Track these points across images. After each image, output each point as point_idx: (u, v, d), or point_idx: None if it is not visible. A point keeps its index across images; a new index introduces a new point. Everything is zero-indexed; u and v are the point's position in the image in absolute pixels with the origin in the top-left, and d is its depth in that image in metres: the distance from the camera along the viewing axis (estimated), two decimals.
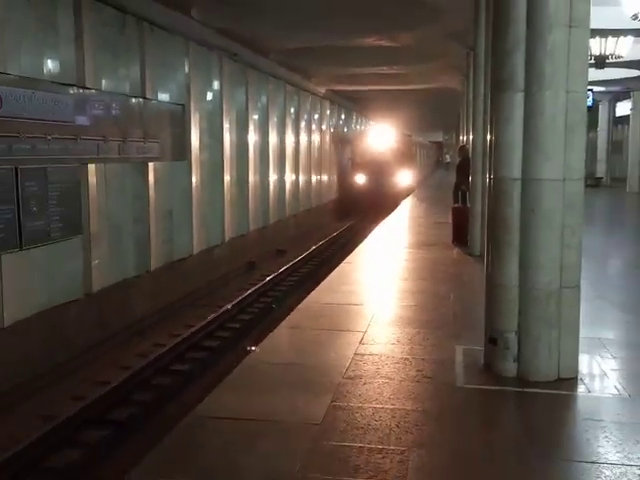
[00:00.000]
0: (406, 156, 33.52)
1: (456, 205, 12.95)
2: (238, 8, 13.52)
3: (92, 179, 10.96)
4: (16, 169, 8.89)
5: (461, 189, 12.92)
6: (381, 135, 32.99)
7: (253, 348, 7.04)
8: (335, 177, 33.14)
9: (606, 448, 4.15)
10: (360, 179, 31.21)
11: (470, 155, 12.08)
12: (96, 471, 6.71)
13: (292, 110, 24.44)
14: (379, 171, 30.52)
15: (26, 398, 8.41)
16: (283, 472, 3.78)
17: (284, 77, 22.23)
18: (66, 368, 9.47)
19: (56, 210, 9.82)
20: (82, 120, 10.33)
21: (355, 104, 36.27)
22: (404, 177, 32.37)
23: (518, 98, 4.99)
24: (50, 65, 10.06)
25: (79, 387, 8.79)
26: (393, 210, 21.38)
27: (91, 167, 10.89)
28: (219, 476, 3.80)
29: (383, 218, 19.15)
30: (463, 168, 12.82)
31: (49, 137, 9.44)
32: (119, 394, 8.58)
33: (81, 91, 10.44)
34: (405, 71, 21.53)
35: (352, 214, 29.58)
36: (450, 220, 12.86)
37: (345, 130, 36.60)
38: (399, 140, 33.41)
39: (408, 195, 28.25)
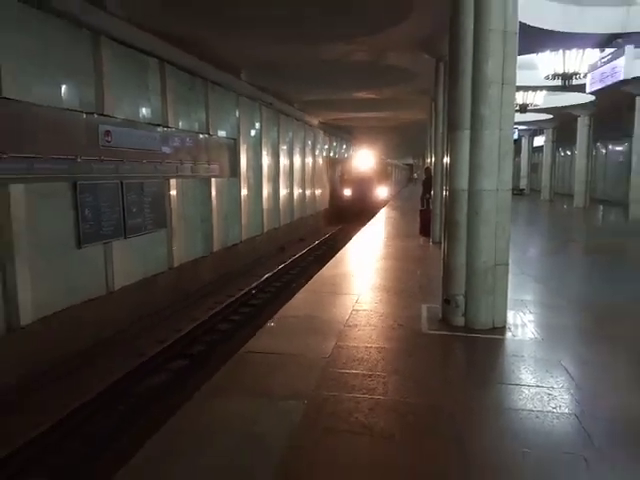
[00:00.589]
0: (383, 175, 30.43)
1: (422, 208, 12.86)
2: (273, 73, 13.49)
3: (173, 190, 11.00)
4: (121, 183, 8.95)
5: (426, 197, 12.84)
6: (364, 158, 29.82)
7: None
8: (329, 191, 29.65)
9: (525, 375, 4.15)
10: (347, 192, 28.01)
11: (432, 173, 12.03)
12: (174, 392, 6.76)
13: (309, 142, 24.34)
14: (362, 186, 27.54)
15: (126, 341, 8.49)
16: (302, 390, 3.80)
17: (302, 119, 22.16)
18: (154, 319, 9.54)
19: (148, 211, 9.89)
20: (166, 149, 10.38)
21: (348, 135, 33.84)
22: (381, 191, 29.17)
23: (466, 134, 4.94)
24: (143, 111, 10.08)
25: (163, 333, 8.80)
26: (373, 216, 19.04)
27: (172, 182, 10.94)
28: (259, 393, 3.80)
29: (368, 221, 17.62)
30: (427, 183, 12.78)
31: (144, 161, 9.49)
32: (191, 337, 8.61)
33: (165, 129, 10.48)
34: (386, 113, 21.31)
35: (343, 218, 26.03)
36: (417, 219, 12.81)
37: (343, 155, 34.16)
38: (378, 162, 30.39)
39: (384, 205, 25.08)
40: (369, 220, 17.39)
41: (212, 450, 3.04)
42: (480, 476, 2.83)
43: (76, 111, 7.88)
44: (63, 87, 7.84)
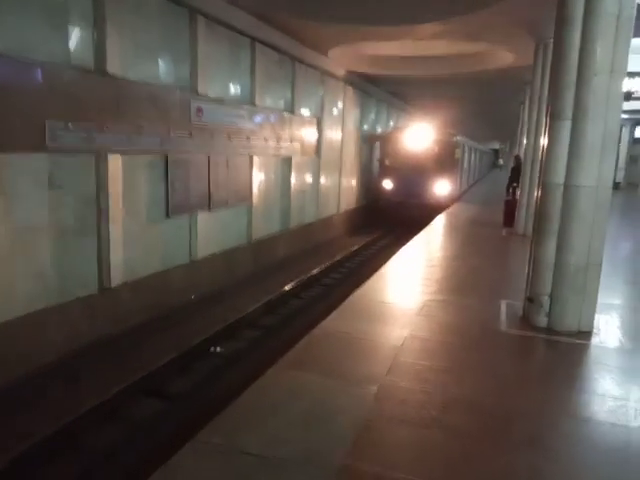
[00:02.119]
0: (447, 160, 18.16)
1: (507, 198, 12.32)
2: (359, 53, 13.31)
3: (255, 167, 11.19)
4: (208, 158, 9.26)
5: (512, 186, 12.29)
6: (417, 134, 18.12)
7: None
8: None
9: (611, 385, 3.92)
10: (387, 185, 18.11)
11: (522, 161, 11.47)
12: (252, 355, 6.99)
13: (391, 123, 23.84)
14: (411, 177, 17.62)
15: (207, 308, 8.80)
16: (373, 376, 3.82)
17: (386, 100, 21.68)
18: (232, 289, 9.82)
19: (232, 186, 10.17)
20: (252, 127, 10.57)
21: (402, 101, 24.03)
22: (442, 187, 17.84)
23: (566, 125, 4.64)
24: (233, 89, 10.30)
25: (240, 302, 8.97)
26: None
27: (255, 159, 11.14)
28: (325, 371, 3.85)
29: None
30: (516, 171, 12.21)
31: (230, 138, 9.75)
32: (267, 308, 8.79)
33: (252, 107, 10.67)
34: (476, 96, 20.23)
35: (377, 224, 17.89)
36: (502, 208, 12.31)
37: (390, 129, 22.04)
38: (440, 140, 18.12)
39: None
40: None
41: (285, 417, 3.20)
42: None
43: (171, 88, 8.21)
44: (160, 64, 8.18)
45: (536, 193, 5.24)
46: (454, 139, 18.93)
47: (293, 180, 13.26)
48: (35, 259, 6.29)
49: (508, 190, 12.59)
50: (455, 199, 19.03)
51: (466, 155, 23.05)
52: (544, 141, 4.95)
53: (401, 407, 3.38)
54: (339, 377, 3.77)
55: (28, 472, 4.34)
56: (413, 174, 17.65)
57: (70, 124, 6.24)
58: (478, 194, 23.11)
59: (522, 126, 13.44)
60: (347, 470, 2.71)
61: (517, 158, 13.23)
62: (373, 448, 2.93)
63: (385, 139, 19.23)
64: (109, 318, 7.25)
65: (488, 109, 25.09)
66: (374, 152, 20.12)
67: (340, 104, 16.51)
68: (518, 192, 11.29)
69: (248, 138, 10.39)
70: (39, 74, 5.88)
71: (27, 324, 6.10)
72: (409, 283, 6.84)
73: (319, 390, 3.58)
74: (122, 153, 7.30)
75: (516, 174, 11.98)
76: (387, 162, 18.43)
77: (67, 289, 6.75)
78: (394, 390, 3.60)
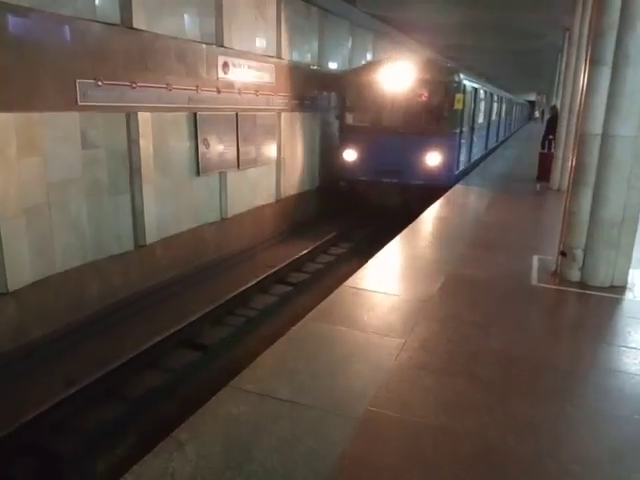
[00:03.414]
0: (440, 114, 10.78)
1: (542, 151, 11.93)
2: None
3: (283, 123, 11.08)
4: (236, 115, 9.22)
5: (548, 138, 11.88)
6: (393, 74, 10.71)
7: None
8: None
9: None
10: (350, 156, 11.40)
11: (558, 112, 11.03)
12: (280, 310, 7.21)
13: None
14: (386, 145, 10.78)
15: (239, 263, 9.04)
16: (403, 328, 3.84)
17: (421, 52, 20.93)
18: (262, 246, 10.01)
19: (260, 143, 10.16)
20: (278, 82, 10.44)
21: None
22: (433, 158, 10.68)
23: (606, 71, 4.44)
24: (258, 43, 10.13)
25: (269, 259, 9.16)
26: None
27: (282, 115, 11.03)
28: (353, 324, 3.92)
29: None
30: (552, 122, 11.76)
31: (258, 93, 9.66)
32: (295, 265, 8.89)
33: (278, 61, 10.50)
34: (513, 45, 19.26)
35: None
36: (536, 162, 11.95)
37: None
38: (428, 81, 10.70)
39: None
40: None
41: (314, 365, 3.31)
42: (580, 434, 2.77)
43: (198, 42, 8.13)
44: (186, 17, 8.08)
45: (573, 145, 5.07)
46: (452, 79, 10.98)
47: (319, 135, 13.05)
48: (75, 218, 6.51)
49: (544, 143, 12.19)
50: (458, 175, 11.81)
51: (481, 105, 14.75)
52: (582, 88, 4.75)
53: (428, 357, 3.44)
54: (367, 330, 3.83)
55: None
56: (389, 138, 10.80)
57: (100, 82, 6.31)
58: (501, 161, 17.45)
59: (559, 75, 12.84)
60: (372, 415, 2.81)
61: (553, 109, 12.74)
62: (399, 395, 3.01)
63: (345, 83, 11.69)
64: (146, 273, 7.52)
65: (524, 58, 24.00)
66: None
67: (369, 56, 16.02)
68: (554, 145, 10.93)
69: (275, 94, 10.27)
70: (67, 30, 5.90)
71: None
72: (441, 238, 6.81)
73: (347, 342, 3.65)
74: (152, 111, 7.35)
75: (552, 126, 11.56)
76: (349, 120, 11.68)
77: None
78: (422, 341, 3.65)
